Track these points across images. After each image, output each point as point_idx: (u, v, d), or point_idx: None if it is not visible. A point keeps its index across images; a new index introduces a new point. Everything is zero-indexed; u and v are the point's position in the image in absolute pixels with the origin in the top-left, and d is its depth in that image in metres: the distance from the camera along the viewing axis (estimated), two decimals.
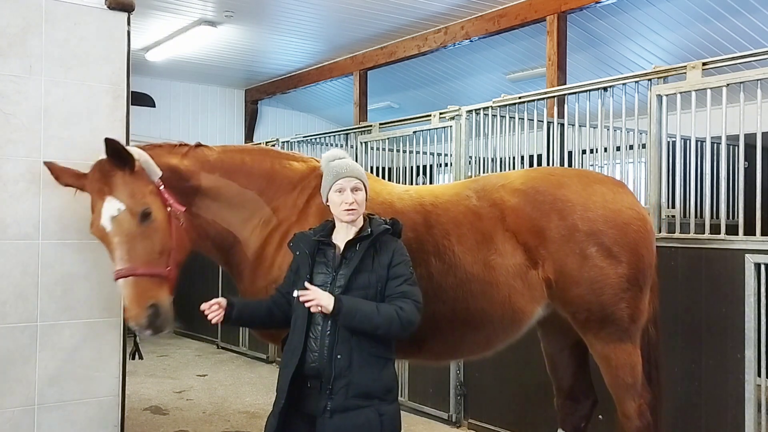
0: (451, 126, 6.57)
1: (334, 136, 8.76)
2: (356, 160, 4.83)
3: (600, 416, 4.62)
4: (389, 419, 3.05)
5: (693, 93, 4.79)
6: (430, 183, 8.45)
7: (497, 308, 3.60)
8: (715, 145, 6.18)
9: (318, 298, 2.91)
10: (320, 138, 8.96)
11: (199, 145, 3.70)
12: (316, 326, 3.05)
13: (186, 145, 3.69)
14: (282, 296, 3.25)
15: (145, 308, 3.18)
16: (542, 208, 3.64)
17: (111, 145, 3.27)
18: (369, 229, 3.11)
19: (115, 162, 3.31)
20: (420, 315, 3.04)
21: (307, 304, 2.93)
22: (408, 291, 3.03)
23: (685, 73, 4.84)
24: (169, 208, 3.38)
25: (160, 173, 3.41)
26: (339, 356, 2.98)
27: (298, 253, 3.20)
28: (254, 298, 3.53)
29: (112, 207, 3.28)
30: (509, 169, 6.14)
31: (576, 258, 3.59)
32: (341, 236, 3.16)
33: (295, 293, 2.98)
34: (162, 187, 3.39)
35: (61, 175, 3.46)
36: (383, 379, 3.04)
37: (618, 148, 5.86)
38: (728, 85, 4.60)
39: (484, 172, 6.33)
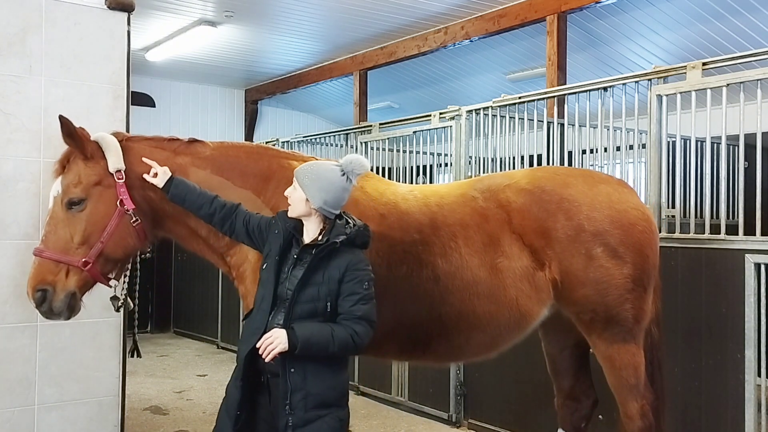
0: (451, 126, 6.57)
1: (334, 136, 8.75)
2: None
3: (600, 416, 4.62)
4: (346, 423, 3.05)
5: (693, 93, 4.78)
6: (430, 183, 8.44)
7: (504, 311, 3.57)
8: (715, 145, 6.18)
9: (272, 345, 2.84)
10: (320, 138, 8.95)
11: (193, 141, 3.66)
12: (279, 313, 3.02)
13: (178, 139, 3.65)
14: (246, 218, 3.29)
15: (34, 289, 3.27)
16: (549, 208, 3.63)
17: (65, 126, 3.34)
18: (326, 237, 3.03)
19: (70, 143, 3.37)
20: (373, 332, 2.99)
21: (265, 356, 2.86)
22: (363, 314, 2.95)
23: (685, 73, 4.84)
24: (118, 204, 3.36)
25: (122, 166, 3.39)
26: (292, 369, 2.93)
27: (276, 231, 3.17)
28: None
29: (55, 187, 3.39)
30: (509, 169, 6.14)
31: (582, 258, 3.58)
32: (306, 235, 3.13)
33: (257, 344, 2.91)
34: (121, 180, 3.37)
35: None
36: (338, 387, 3.02)
37: (618, 148, 5.85)
38: (728, 85, 4.59)
39: (484, 172, 6.33)
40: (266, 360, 2.88)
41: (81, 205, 3.33)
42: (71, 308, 3.33)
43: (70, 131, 3.35)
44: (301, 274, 2.99)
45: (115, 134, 3.56)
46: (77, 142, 3.38)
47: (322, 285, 2.98)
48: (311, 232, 3.11)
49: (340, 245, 3.01)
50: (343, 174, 3.10)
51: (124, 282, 3.92)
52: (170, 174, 3.39)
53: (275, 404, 3.02)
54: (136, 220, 3.39)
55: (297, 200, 3.10)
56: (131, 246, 3.45)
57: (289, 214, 3.15)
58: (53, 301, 3.28)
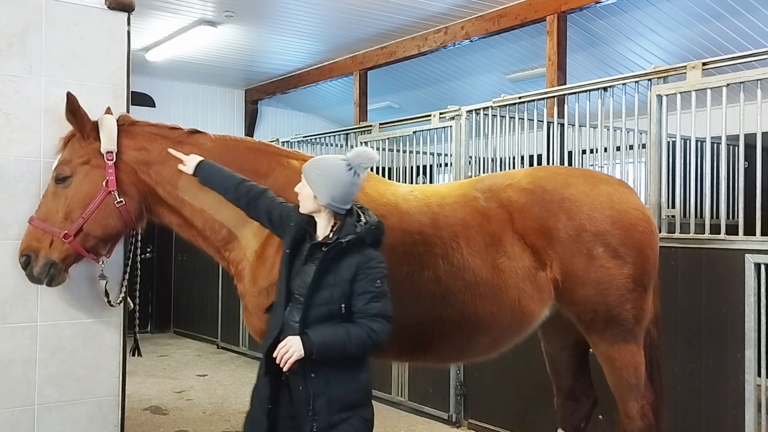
0: (451, 126, 6.57)
1: (334, 136, 8.76)
2: None
3: (600, 416, 4.62)
4: (371, 422, 3.03)
5: (693, 93, 4.78)
6: (431, 183, 8.44)
7: (506, 311, 3.57)
8: (715, 145, 6.18)
9: (288, 353, 2.82)
10: (320, 138, 8.96)
11: (194, 131, 3.70)
12: (294, 310, 3.00)
13: (180, 128, 3.72)
14: (269, 207, 3.27)
15: (20, 253, 3.54)
16: (550, 208, 3.63)
17: (70, 102, 3.51)
18: (335, 236, 2.98)
19: (71, 121, 3.55)
20: (391, 328, 2.95)
21: (282, 365, 2.84)
22: (377, 311, 2.91)
23: (685, 73, 4.84)
24: (104, 185, 3.50)
25: (113, 148, 3.53)
26: (313, 374, 2.89)
27: (292, 224, 3.14)
28: (256, 299, 3.48)
29: (54, 162, 3.62)
30: (509, 169, 6.14)
31: (583, 258, 3.58)
32: (318, 230, 3.10)
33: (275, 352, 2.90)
34: (111, 162, 3.51)
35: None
36: (361, 387, 2.99)
37: (618, 148, 5.86)
38: (728, 85, 4.60)
39: (484, 172, 6.33)
40: (284, 369, 2.86)
41: (66, 181, 3.53)
42: (51, 276, 3.53)
43: (74, 108, 3.53)
44: (312, 277, 2.95)
45: (122, 117, 3.72)
46: (78, 120, 3.55)
47: (335, 287, 2.93)
48: (322, 227, 3.09)
49: (347, 245, 2.95)
50: (350, 168, 3.04)
51: (124, 279, 3.97)
52: (198, 159, 3.49)
53: (296, 405, 2.99)
54: (121, 201, 3.53)
55: (305, 197, 3.08)
56: (112, 226, 3.58)
57: (300, 211, 3.12)
58: (34, 266, 3.51)
